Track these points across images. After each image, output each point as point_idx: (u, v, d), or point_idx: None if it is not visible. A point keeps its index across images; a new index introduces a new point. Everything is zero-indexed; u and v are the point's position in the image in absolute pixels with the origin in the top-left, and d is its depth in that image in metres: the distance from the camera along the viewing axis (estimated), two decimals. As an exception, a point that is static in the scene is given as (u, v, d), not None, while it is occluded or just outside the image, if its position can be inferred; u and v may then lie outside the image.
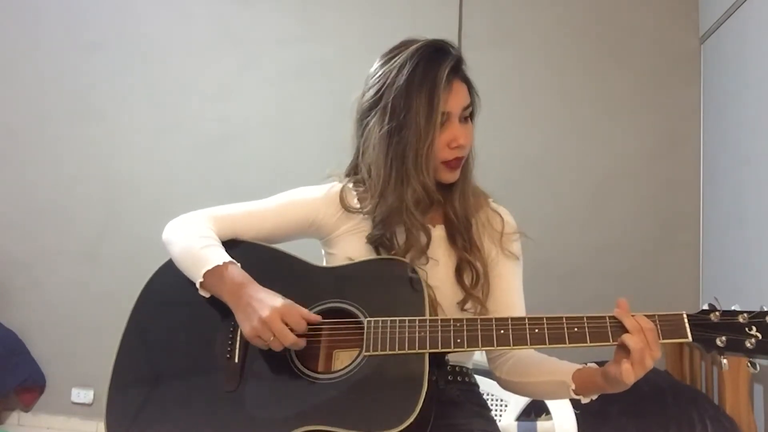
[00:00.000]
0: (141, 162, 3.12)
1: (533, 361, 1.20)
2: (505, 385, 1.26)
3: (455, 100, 1.19)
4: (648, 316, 1.03)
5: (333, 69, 2.95)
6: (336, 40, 3.02)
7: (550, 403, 1.78)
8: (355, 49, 2.86)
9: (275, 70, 3.07)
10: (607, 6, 2.87)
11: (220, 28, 3.14)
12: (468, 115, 1.23)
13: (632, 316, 1.03)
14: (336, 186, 1.28)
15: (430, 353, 1.06)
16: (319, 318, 1.10)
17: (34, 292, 3.13)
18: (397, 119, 1.16)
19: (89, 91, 3.19)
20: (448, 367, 1.23)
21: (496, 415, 1.36)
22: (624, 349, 1.01)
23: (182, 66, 3.14)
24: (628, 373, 0.99)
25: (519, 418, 1.88)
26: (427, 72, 1.16)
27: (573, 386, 1.11)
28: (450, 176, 1.22)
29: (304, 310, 1.10)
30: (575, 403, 1.14)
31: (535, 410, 1.92)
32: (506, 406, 1.89)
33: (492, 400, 1.78)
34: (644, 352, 0.99)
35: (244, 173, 2.96)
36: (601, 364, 1.10)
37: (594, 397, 1.13)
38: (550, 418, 1.82)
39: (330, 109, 2.76)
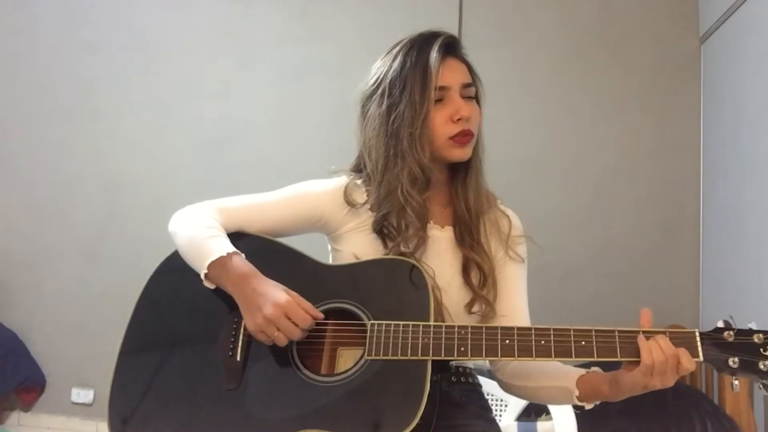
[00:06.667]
0: (141, 162, 3.12)
1: (536, 364, 1.18)
2: (507, 389, 1.25)
3: (451, 73, 1.19)
4: (658, 332, 1.00)
5: (333, 69, 2.94)
6: (336, 40, 3.01)
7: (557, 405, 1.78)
8: (355, 49, 2.86)
9: (275, 70, 3.07)
10: (607, 6, 2.87)
11: (220, 28, 3.13)
12: (473, 96, 1.22)
13: (651, 337, 0.99)
14: (343, 180, 1.27)
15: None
16: (321, 315, 1.10)
17: (34, 292, 3.13)
18: (393, 97, 1.18)
19: (89, 91, 3.18)
20: (452, 368, 1.22)
21: (496, 415, 1.36)
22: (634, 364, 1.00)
23: (182, 66, 3.13)
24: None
25: (519, 418, 1.88)
26: (421, 51, 1.19)
27: (577, 393, 1.10)
28: (461, 153, 1.20)
29: (308, 304, 1.09)
30: (581, 406, 1.13)
31: (535, 410, 1.92)
32: (506, 406, 1.89)
33: (492, 400, 1.78)
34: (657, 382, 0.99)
35: (244, 173, 2.95)
36: (604, 367, 1.10)
37: (597, 403, 1.12)
38: (550, 419, 1.82)
39: (330, 109, 2.76)
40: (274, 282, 1.12)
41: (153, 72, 3.15)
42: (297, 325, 1.06)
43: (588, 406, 1.12)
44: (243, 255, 1.16)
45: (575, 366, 1.16)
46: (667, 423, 2.00)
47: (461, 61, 1.23)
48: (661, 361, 0.97)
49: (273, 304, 1.06)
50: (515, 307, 1.24)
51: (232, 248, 1.15)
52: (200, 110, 3.10)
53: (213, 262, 1.13)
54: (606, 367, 1.10)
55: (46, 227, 3.15)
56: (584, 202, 2.80)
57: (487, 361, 1.28)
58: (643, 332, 1.00)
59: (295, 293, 1.10)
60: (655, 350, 0.98)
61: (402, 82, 1.17)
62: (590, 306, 2.69)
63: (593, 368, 1.11)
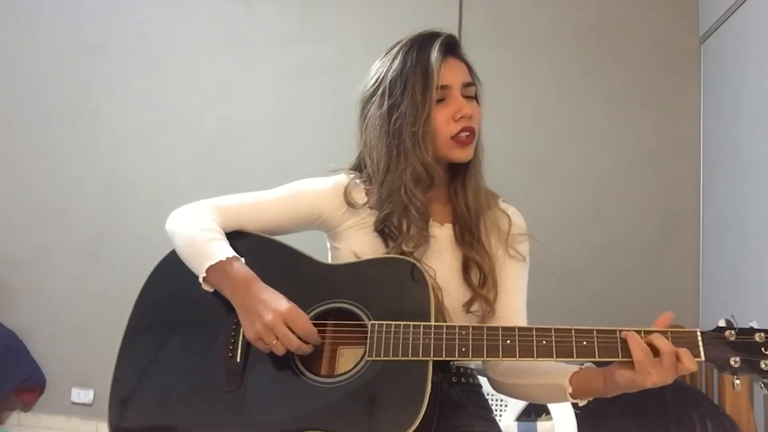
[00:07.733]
0: (141, 162, 3.11)
1: (528, 362, 1.17)
2: (498, 387, 1.24)
3: (452, 72, 1.19)
4: (660, 332, 0.99)
5: (333, 69, 2.95)
6: (336, 40, 3.01)
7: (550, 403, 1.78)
8: (355, 49, 2.86)
9: (275, 70, 3.07)
10: (607, 6, 2.87)
11: (220, 28, 3.13)
12: (473, 96, 1.22)
13: (646, 332, 0.99)
14: (342, 179, 1.27)
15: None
16: (317, 336, 1.08)
17: (34, 292, 3.12)
18: (394, 97, 1.17)
19: (89, 91, 3.18)
20: (453, 369, 1.22)
21: (496, 415, 1.36)
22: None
23: (182, 66, 3.13)
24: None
25: (519, 418, 1.88)
26: (422, 51, 1.18)
27: (570, 390, 1.09)
28: (463, 153, 1.19)
29: (306, 319, 1.08)
30: (575, 404, 1.12)
31: (535, 410, 1.92)
32: (506, 406, 1.89)
33: (492, 400, 1.78)
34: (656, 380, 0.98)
35: (244, 173, 2.96)
36: (598, 363, 1.09)
37: (590, 399, 1.11)
38: (550, 418, 1.83)
39: (330, 108, 2.76)
40: (273, 290, 1.11)
41: (153, 72, 3.15)
42: (296, 334, 1.06)
43: (581, 403, 1.11)
44: (243, 260, 1.15)
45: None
46: (667, 423, 2.00)
47: (461, 61, 1.23)
48: (641, 355, 0.97)
49: (273, 311, 1.06)
50: (512, 307, 1.24)
51: (231, 252, 1.15)
52: (200, 110, 3.10)
53: (212, 266, 1.13)
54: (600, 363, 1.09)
55: (46, 227, 3.15)
56: (584, 202, 2.80)
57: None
58: (644, 332, 1.00)
59: (294, 304, 1.09)
60: (641, 345, 0.98)
61: (403, 81, 1.17)
62: (590, 306, 2.69)
63: (586, 364, 1.11)
